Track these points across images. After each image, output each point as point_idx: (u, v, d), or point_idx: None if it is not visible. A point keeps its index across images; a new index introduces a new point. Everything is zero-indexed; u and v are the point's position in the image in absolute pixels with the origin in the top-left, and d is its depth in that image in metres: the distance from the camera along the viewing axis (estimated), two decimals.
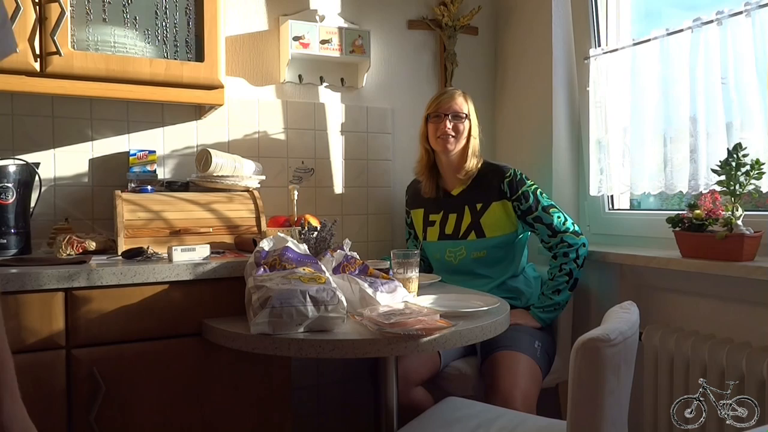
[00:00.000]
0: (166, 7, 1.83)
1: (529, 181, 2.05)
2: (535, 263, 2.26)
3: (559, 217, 2.00)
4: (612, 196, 2.31)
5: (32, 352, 1.44)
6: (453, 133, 2.04)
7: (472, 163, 2.07)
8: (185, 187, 2.03)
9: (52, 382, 1.46)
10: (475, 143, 2.08)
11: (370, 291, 1.53)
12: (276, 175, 2.28)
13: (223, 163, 1.98)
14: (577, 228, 2.02)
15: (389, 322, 1.35)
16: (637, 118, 2.08)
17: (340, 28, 2.28)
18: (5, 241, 1.69)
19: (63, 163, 1.99)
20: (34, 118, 1.95)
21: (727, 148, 1.71)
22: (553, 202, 2.04)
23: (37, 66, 1.66)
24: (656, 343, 1.84)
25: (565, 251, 1.98)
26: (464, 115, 2.06)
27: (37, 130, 1.95)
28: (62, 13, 1.65)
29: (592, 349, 1.11)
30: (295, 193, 2.14)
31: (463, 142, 2.06)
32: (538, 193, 2.03)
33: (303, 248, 1.64)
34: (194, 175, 2.03)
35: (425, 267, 2.19)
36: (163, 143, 2.12)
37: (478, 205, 2.06)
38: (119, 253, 1.71)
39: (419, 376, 1.91)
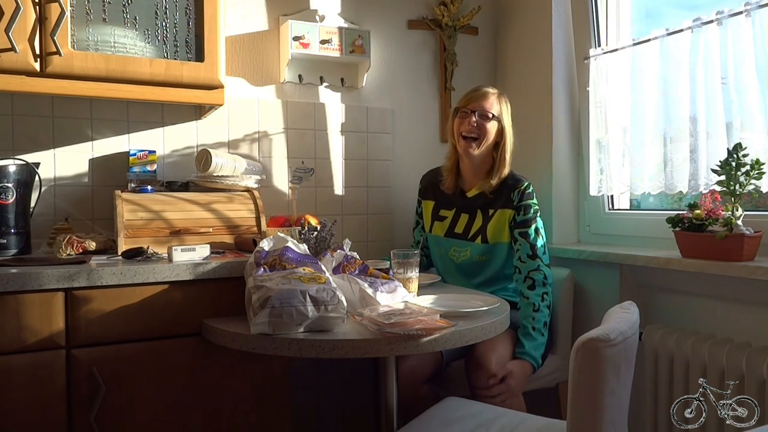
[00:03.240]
0: (166, 7, 1.83)
1: (535, 200, 2.02)
2: None
3: (542, 246, 1.98)
4: (612, 196, 2.31)
5: (32, 352, 1.44)
6: (476, 134, 1.98)
7: (505, 171, 2.02)
8: (185, 187, 2.03)
9: (52, 382, 1.46)
10: (509, 147, 2.01)
11: (370, 291, 1.53)
12: (276, 175, 2.28)
13: (223, 163, 1.98)
14: (548, 262, 2.00)
15: (389, 322, 1.35)
16: (637, 118, 2.08)
17: (340, 28, 2.28)
18: (5, 241, 1.69)
19: (63, 163, 1.99)
20: (34, 118, 1.95)
21: (727, 148, 1.71)
22: (544, 231, 2.02)
23: (37, 66, 1.66)
24: (656, 343, 1.84)
25: (543, 280, 1.95)
26: (491, 116, 1.99)
27: (37, 130, 1.95)
28: (62, 13, 1.65)
29: (592, 349, 1.11)
30: (295, 193, 2.14)
31: (487, 145, 1.99)
32: (538, 214, 2.01)
33: (303, 248, 1.64)
34: (194, 175, 2.03)
35: (425, 260, 2.20)
36: (163, 143, 2.12)
37: (490, 211, 2.03)
38: (119, 253, 1.71)
39: (425, 373, 1.92)
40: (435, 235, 2.14)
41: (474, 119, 1.98)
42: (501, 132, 2.02)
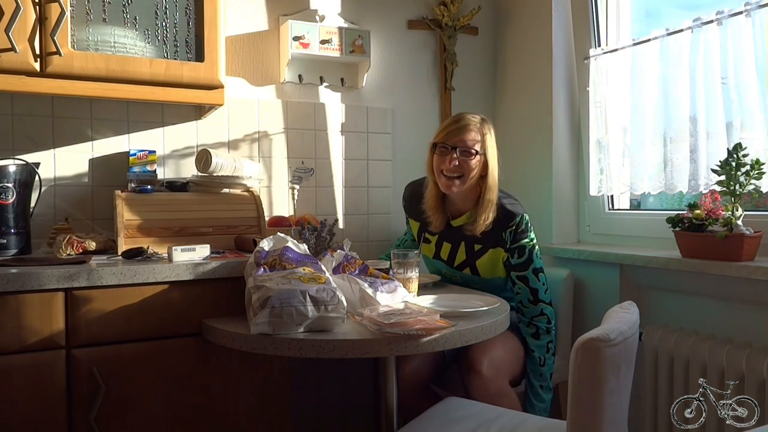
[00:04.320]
0: (166, 7, 1.83)
1: (531, 234, 1.88)
2: None
3: (543, 284, 1.88)
4: (612, 196, 2.31)
5: (32, 352, 1.44)
6: (458, 173, 1.81)
7: (489, 215, 1.84)
8: (185, 187, 2.03)
9: (52, 382, 1.46)
10: (491, 187, 1.83)
11: (370, 291, 1.53)
12: (276, 175, 2.28)
13: (223, 163, 1.98)
14: (549, 299, 1.91)
15: (389, 322, 1.35)
16: (637, 118, 2.08)
17: (340, 28, 2.28)
18: (5, 241, 1.69)
19: (63, 163, 1.99)
20: (34, 118, 1.95)
21: (727, 148, 1.71)
22: (542, 264, 1.91)
23: (37, 66, 1.66)
24: (656, 343, 1.84)
25: (546, 327, 1.87)
26: (474, 152, 1.81)
27: (37, 130, 1.95)
28: (62, 13, 1.65)
29: (592, 349, 1.11)
30: (295, 193, 2.14)
31: (471, 182, 1.83)
32: (534, 251, 1.88)
33: (303, 248, 1.64)
34: (194, 175, 2.03)
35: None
36: (163, 143, 2.12)
37: (477, 246, 1.91)
38: (119, 253, 1.71)
39: (428, 374, 1.91)
40: (425, 255, 2.07)
41: (455, 156, 1.80)
42: (485, 165, 1.84)
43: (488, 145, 1.85)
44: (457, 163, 1.81)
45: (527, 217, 1.89)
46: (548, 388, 1.88)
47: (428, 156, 1.91)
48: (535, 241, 1.90)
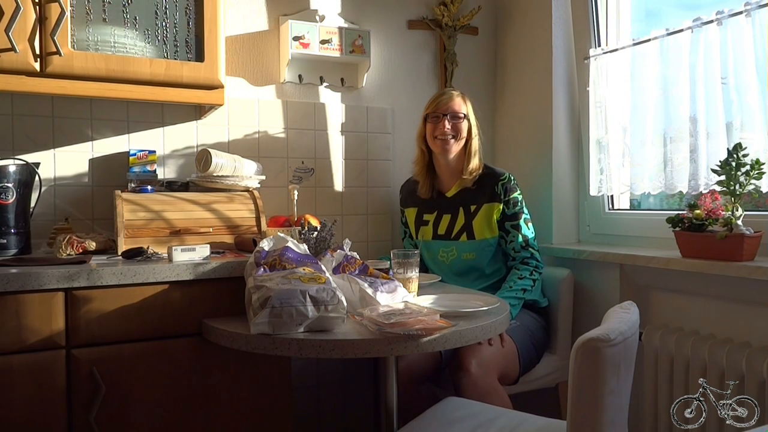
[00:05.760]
0: (166, 7, 1.83)
1: (519, 190, 2.09)
2: None
3: (532, 233, 2.09)
4: (612, 196, 2.31)
5: (32, 352, 1.44)
6: (452, 133, 2.05)
7: (475, 162, 2.09)
8: (185, 187, 2.03)
9: (52, 382, 1.46)
10: (475, 142, 2.09)
11: (370, 291, 1.53)
12: (276, 175, 2.28)
13: (223, 163, 1.98)
14: (538, 247, 2.11)
15: (389, 322, 1.35)
16: (637, 118, 2.08)
17: (340, 28, 2.28)
18: (5, 241, 1.69)
19: (63, 163, 1.99)
20: (34, 118, 1.95)
21: (727, 148, 1.71)
22: (530, 216, 2.11)
23: (37, 66, 1.66)
24: (656, 343, 1.84)
25: (536, 264, 2.05)
26: (463, 116, 2.07)
27: (37, 130, 1.95)
28: (62, 13, 1.65)
29: (592, 349, 1.11)
30: (295, 193, 2.14)
31: (462, 142, 2.08)
32: (523, 203, 2.10)
33: (303, 248, 1.64)
34: (194, 175, 2.03)
35: (422, 266, 2.19)
36: (163, 143, 2.12)
37: (472, 207, 2.09)
38: (119, 253, 1.71)
39: (423, 372, 1.92)
40: (423, 241, 2.17)
41: (447, 122, 2.05)
42: (470, 130, 2.09)
43: (470, 112, 2.11)
44: (449, 126, 2.05)
45: (513, 177, 2.10)
46: (515, 291, 1.96)
47: (420, 127, 2.15)
48: (522, 195, 2.11)
